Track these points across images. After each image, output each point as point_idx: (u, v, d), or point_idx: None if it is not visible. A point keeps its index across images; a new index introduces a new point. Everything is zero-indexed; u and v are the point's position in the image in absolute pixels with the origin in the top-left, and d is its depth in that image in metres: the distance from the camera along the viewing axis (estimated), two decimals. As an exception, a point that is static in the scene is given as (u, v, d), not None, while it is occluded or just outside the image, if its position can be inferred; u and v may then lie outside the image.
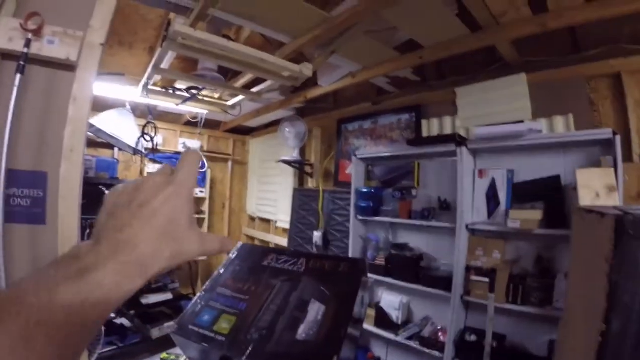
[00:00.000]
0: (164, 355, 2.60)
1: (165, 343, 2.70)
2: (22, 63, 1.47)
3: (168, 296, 3.40)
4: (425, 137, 3.49)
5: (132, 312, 3.03)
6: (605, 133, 2.41)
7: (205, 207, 5.78)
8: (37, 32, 1.51)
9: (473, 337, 2.79)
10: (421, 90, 3.79)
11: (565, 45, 3.02)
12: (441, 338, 2.97)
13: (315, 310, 0.96)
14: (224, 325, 0.97)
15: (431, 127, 3.55)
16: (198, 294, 1.09)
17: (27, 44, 1.48)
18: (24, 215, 1.53)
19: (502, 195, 2.79)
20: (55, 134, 1.58)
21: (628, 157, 2.65)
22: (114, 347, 2.68)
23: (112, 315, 3.04)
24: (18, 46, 1.48)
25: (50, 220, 1.56)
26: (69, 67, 1.61)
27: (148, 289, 3.38)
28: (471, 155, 2.97)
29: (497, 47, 2.94)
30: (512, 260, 2.73)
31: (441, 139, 3.09)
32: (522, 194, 2.70)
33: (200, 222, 5.78)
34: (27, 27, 1.48)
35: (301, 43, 2.88)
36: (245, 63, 2.87)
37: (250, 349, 0.90)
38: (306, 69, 2.97)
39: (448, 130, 3.40)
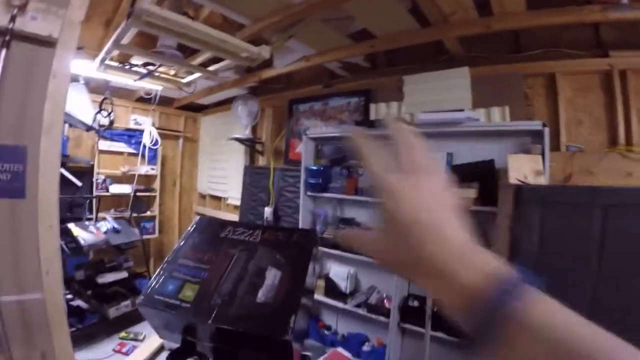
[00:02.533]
0: (122, 334, 2.59)
1: (123, 322, 2.73)
2: (7, 38, 1.53)
3: (124, 274, 3.33)
4: (373, 120, 3.75)
5: (89, 292, 2.97)
6: (536, 125, 2.75)
7: (157, 185, 5.78)
8: (22, 8, 1.55)
9: (415, 303, 3.11)
10: (371, 76, 4.05)
11: (507, 44, 3.38)
12: (386, 305, 3.28)
13: (272, 276, 1.05)
14: (188, 293, 1.04)
15: (379, 110, 3.81)
16: (160, 266, 1.14)
17: (13, 19, 1.53)
18: (5, 189, 1.54)
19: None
20: (35, 109, 1.61)
21: (556, 147, 3.08)
22: (73, 329, 2.62)
23: (70, 296, 2.95)
24: (3, 21, 1.52)
25: (30, 194, 1.58)
26: (49, 43, 1.64)
27: (104, 267, 3.24)
28: (414, 139, 3.22)
29: (444, 41, 3.24)
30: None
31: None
32: (460, 174, 2.98)
33: (151, 199, 5.80)
34: (13, 3, 1.53)
35: (261, 27, 3.02)
36: (206, 42, 2.96)
37: (214, 313, 0.98)
38: (264, 51, 3.11)
39: (394, 115, 3.66)
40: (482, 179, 2.87)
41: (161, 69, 4.07)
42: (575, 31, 3.11)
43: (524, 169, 2.60)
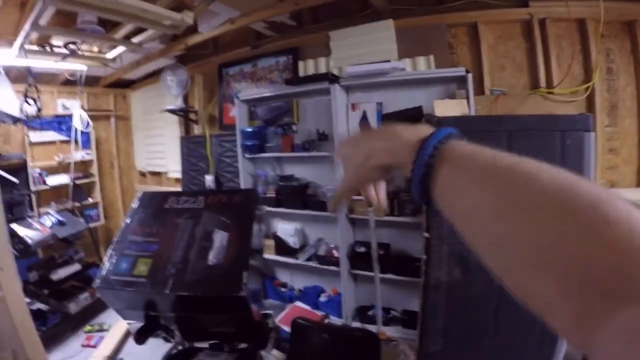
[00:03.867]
0: (87, 327, 2.50)
1: (86, 316, 2.65)
2: None
3: (77, 267, 3.22)
4: (302, 76, 3.84)
5: (45, 291, 2.89)
6: (459, 71, 2.99)
7: (94, 169, 5.64)
8: None
9: (362, 249, 3.34)
10: (298, 33, 4.15)
11: (430, -4, 3.56)
12: (335, 254, 3.48)
13: (220, 238, 1.10)
14: (142, 267, 1.08)
15: (307, 67, 3.94)
16: (111, 247, 1.17)
17: None
18: None
19: (373, 124, 3.29)
20: None
21: (480, 91, 3.34)
22: (38, 332, 2.70)
23: (27, 300, 2.88)
24: None
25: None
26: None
27: (55, 263, 3.11)
28: (344, 92, 3.41)
29: (367, -5, 3.36)
30: (387, 179, 3.24)
31: (316, 78, 3.48)
32: (390, 122, 3.19)
33: (91, 185, 5.67)
34: None
35: None
36: (127, 14, 2.94)
37: (170, 282, 1.03)
38: (187, 17, 3.15)
39: (323, 70, 3.80)
40: (412, 125, 3.05)
41: (84, 47, 3.96)
42: (496, -18, 3.34)
43: (450, 112, 2.83)
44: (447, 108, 2.86)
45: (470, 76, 2.92)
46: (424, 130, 0.49)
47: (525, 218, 0.34)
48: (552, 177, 0.34)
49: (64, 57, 3.86)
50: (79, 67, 4.51)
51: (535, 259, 0.32)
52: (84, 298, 2.82)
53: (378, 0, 3.42)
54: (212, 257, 1.06)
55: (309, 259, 3.62)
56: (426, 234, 2.17)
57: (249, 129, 3.89)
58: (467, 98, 2.89)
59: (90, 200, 5.61)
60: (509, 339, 2.11)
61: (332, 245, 3.59)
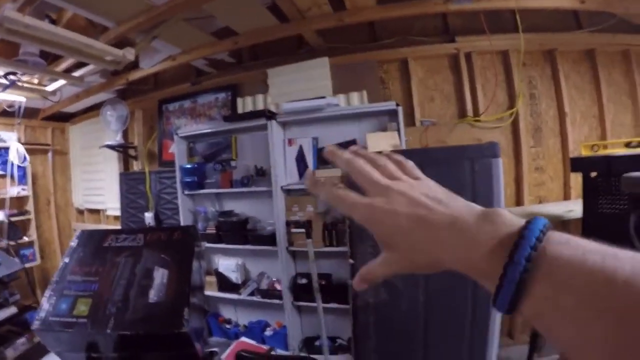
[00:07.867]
0: None
1: None
2: None
3: (12, 310, 3.26)
4: (240, 113, 4.14)
5: None
6: (390, 105, 3.39)
7: (30, 206, 5.59)
8: None
9: (304, 280, 3.59)
10: (237, 70, 4.50)
11: (364, 35, 4.03)
12: (278, 287, 3.73)
13: (160, 275, 1.16)
14: (82, 307, 1.12)
15: (245, 104, 4.24)
16: (49, 287, 1.20)
17: None
18: None
19: (309, 158, 3.64)
20: None
21: (411, 122, 3.77)
22: None
23: None
24: None
25: None
26: None
27: None
28: (281, 127, 3.75)
29: (304, 35, 3.77)
30: (324, 211, 3.58)
31: (253, 114, 3.79)
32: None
33: (26, 222, 5.62)
34: None
35: (125, 29, 3.25)
36: (69, 48, 3.13)
37: (111, 321, 1.08)
38: (129, 54, 3.36)
39: (261, 107, 4.11)
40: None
41: (24, 78, 4.05)
42: (425, 20, 3.83)
43: (382, 144, 3.19)
44: (379, 140, 3.24)
45: (400, 109, 3.32)
46: (504, 224, 0.38)
47: None
48: None
49: (4, 87, 3.93)
50: (17, 98, 4.58)
51: None
52: (22, 343, 2.73)
53: (314, 38, 3.82)
54: (152, 295, 1.12)
55: (251, 294, 3.82)
56: (351, 261, 2.47)
57: (188, 166, 4.11)
58: (398, 130, 3.28)
59: (26, 238, 5.51)
60: (441, 350, 2.41)
61: (274, 279, 3.82)
